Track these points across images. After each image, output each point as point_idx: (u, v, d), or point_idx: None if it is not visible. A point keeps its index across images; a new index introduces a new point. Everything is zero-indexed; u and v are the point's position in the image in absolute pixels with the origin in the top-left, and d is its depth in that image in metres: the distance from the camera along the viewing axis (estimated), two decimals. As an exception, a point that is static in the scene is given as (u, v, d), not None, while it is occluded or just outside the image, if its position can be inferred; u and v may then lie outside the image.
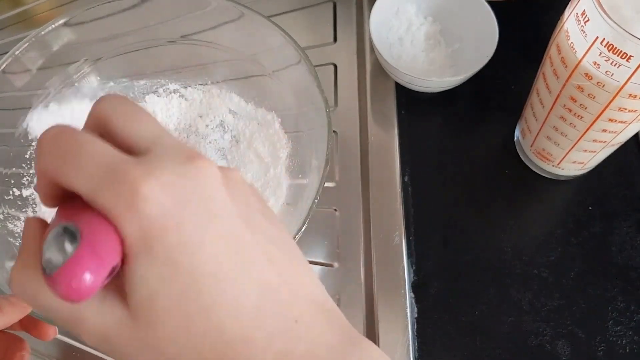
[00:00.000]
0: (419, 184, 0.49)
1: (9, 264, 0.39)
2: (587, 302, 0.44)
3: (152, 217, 0.18)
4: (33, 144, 0.47)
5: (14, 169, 0.46)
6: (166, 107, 0.52)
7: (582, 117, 0.39)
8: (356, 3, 0.60)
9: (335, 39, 0.58)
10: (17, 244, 0.42)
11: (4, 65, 0.43)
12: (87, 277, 0.17)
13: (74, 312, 0.19)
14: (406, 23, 0.55)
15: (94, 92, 0.50)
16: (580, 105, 0.38)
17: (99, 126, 0.20)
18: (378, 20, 0.51)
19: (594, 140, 0.40)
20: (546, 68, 0.40)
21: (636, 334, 0.42)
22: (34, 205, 0.45)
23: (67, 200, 0.19)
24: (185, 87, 0.52)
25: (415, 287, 0.45)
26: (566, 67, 0.37)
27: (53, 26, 0.45)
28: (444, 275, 0.45)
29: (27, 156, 0.47)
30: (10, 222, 0.43)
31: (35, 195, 0.46)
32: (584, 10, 0.34)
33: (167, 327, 0.19)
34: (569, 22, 0.36)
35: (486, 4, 0.51)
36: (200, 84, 0.52)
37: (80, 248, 0.17)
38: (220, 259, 0.19)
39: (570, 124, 0.40)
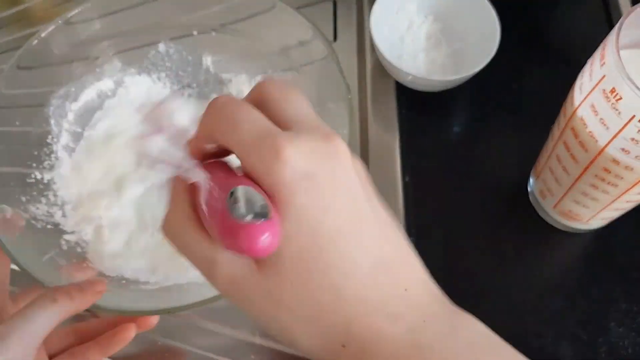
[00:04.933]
0: (420, 184, 0.49)
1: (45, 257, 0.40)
2: (589, 303, 0.43)
3: (286, 180, 0.20)
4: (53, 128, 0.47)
5: (35, 152, 0.46)
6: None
7: (617, 186, 0.36)
8: (356, 2, 0.60)
9: (335, 38, 0.58)
10: (39, 227, 0.42)
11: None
12: (272, 240, 0.20)
13: (209, 255, 0.22)
14: (407, 22, 0.54)
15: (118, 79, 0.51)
16: (616, 175, 0.35)
17: (257, 101, 0.23)
18: (379, 19, 0.51)
19: (628, 202, 0.38)
20: (568, 138, 0.37)
21: (639, 335, 0.42)
22: (55, 190, 0.45)
23: (211, 159, 0.24)
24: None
25: (416, 288, 0.44)
26: (597, 142, 0.34)
27: (81, 8, 0.46)
28: (445, 275, 0.45)
29: (48, 140, 0.47)
30: (32, 205, 0.43)
31: (57, 178, 0.46)
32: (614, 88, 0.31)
33: (289, 279, 0.21)
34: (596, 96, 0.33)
35: (488, 3, 0.51)
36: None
37: (273, 217, 0.20)
38: (340, 226, 0.21)
39: (602, 190, 0.37)
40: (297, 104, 0.23)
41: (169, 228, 0.24)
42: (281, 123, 0.22)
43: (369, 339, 0.21)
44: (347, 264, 0.21)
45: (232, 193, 0.21)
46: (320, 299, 0.21)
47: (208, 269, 0.23)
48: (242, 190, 0.21)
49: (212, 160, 0.24)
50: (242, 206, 0.20)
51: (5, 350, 0.28)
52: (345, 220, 0.21)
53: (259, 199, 0.20)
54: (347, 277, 0.21)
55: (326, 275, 0.21)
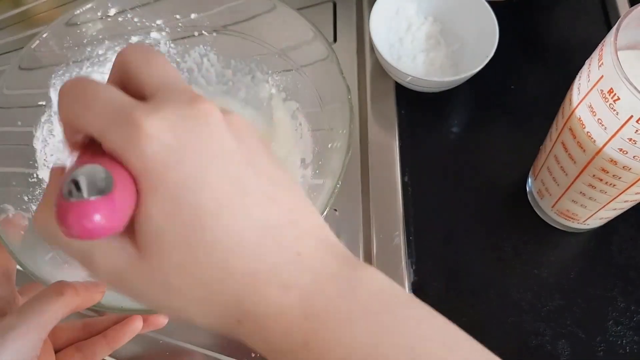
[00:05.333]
0: (419, 184, 0.49)
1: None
2: (587, 302, 0.44)
3: (155, 155, 0.18)
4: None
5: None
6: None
7: (614, 185, 0.36)
8: (356, 3, 0.60)
9: (335, 39, 0.58)
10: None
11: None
12: (106, 220, 0.18)
13: (84, 247, 0.20)
14: (406, 23, 0.55)
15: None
16: (614, 175, 0.35)
17: (121, 72, 0.21)
18: (378, 20, 0.51)
19: (626, 202, 0.38)
20: (566, 138, 0.37)
21: (636, 334, 0.42)
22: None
23: (89, 147, 0.21)
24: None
25: (415, 287, 0.45)
26: (595, 142, 0.34)
27: (82, 9, 0.46)
28: (444, 275, 0.45)
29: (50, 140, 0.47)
30: (34, 205, 0.43)
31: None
32: (612, 88, 0.31)
33: (173, 261, 0.19)
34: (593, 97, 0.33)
35: (486, 4, 0.51)
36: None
37: (114, 193, 0.18)
38: (221, 197, 0.19)
39: (600, 190, 0.37)
40: (160, 67, 0.21)
41: (37, 223, 0.21)
42: (145, 92, 0.20)
43: (263, 314, 0.20)
44: (232, 237, 0.19)
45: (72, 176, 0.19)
46: (208, 279, 0.20)
47: (86, 262, 0.21)
48: (84, 170, 0.18)
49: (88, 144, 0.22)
50: (81, 186, 0.18)
51: (12, 341, 0.28)
52: (225, 191, 0.19)
53: (101, 175, 0.18)
54: (233, 252, 0.19)
55: (211, 253, 0.19)
